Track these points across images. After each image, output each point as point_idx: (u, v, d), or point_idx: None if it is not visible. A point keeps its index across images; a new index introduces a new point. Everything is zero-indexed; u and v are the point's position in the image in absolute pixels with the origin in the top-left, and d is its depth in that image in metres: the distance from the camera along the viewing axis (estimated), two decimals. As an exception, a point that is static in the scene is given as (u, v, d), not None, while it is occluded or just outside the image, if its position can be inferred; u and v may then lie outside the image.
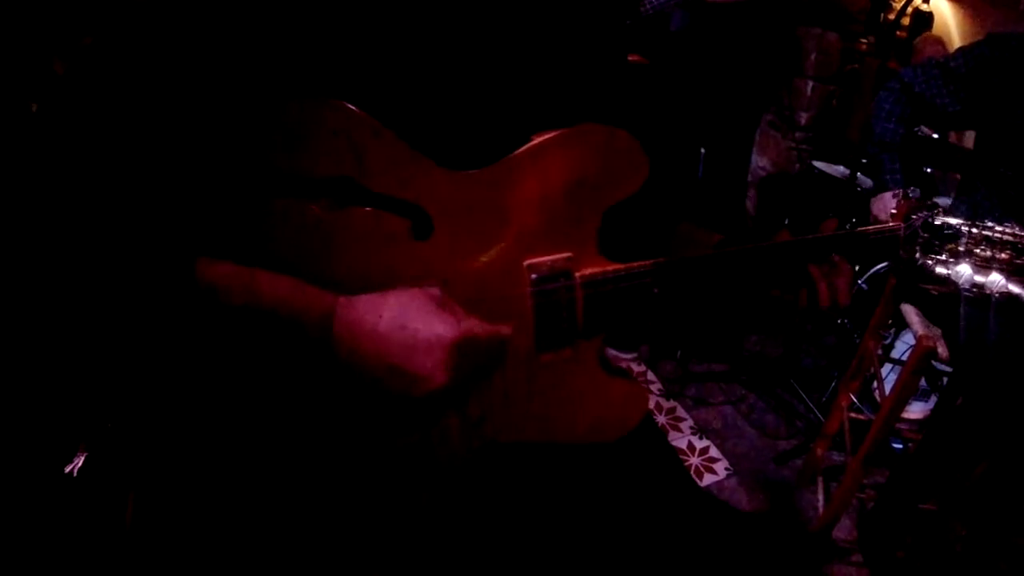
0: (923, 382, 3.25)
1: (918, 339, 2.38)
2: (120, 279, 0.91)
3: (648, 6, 3.03)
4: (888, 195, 2.49)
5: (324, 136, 0.98)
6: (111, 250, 0.91)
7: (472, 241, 1.10)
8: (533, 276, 1.14)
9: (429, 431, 1.14)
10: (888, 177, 2.50)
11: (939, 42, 4.56)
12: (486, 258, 1.11)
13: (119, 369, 0.97)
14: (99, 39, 0.95)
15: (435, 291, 1.05)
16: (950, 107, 2.48)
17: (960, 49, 2.52)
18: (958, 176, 4.30)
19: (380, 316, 0.99)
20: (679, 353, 4.00)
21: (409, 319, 1.00)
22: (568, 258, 1.16)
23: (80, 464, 1.17)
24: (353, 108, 0.99)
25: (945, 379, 3.23)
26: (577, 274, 1.16)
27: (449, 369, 1.01)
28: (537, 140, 1.10)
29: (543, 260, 1.14)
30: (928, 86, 2.50)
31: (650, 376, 3.90)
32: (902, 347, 3.43)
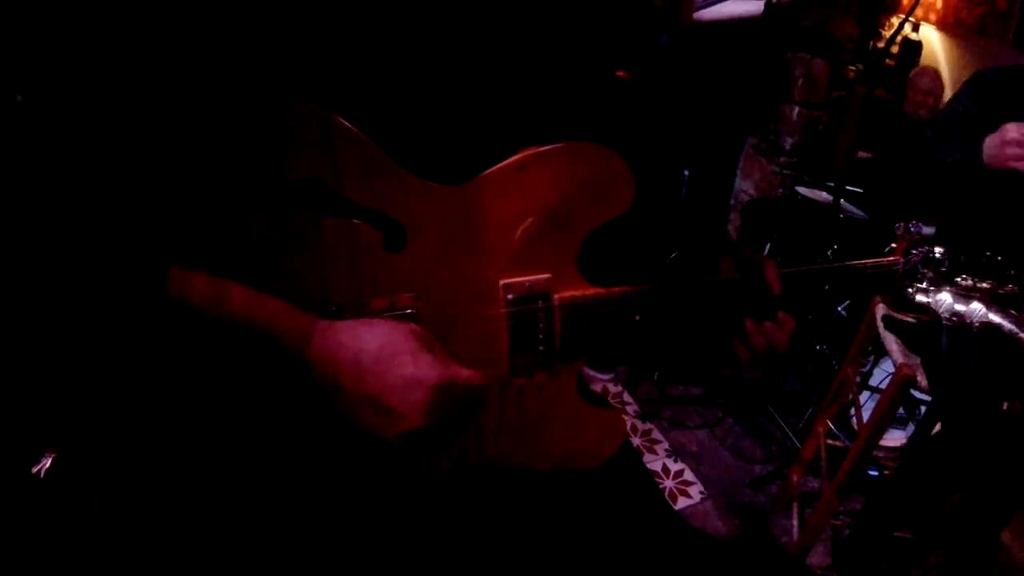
0: (900, 410, 3.24)
1: (898, 368, 2.38)
2: (92, 281, 0.89)
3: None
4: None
5: (297, 139, 0.96)
6: (84, 251, 0.89)
7: (447, 256, 1.07)
8: (509, 296, 1.11)
9: (394, 455, 1.11)
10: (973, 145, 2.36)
11: (934, 74, 4.58)
12: (461, 275, 1.08)
13: (89, 371, 0.94)
14: (78, 37, 0.93)
15: (418, 327, 1.03)
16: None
17: (952, 98, 2.50)
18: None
19: (362, 347, 0.96)
20: (656, 375, 3.98)
21: (393, 354, 0.97)
22: (547, 279, 1.13)
23: (47, 465, 1.15)
24: (329, 113, 0.97)
25: (923, 407, 3.24)
26: (556, 296, 1.14)
27: (428, 412, 0.97)
28: (521, 155, 1.08)
29: (520, 280, 1.12)
30: (941, 135, 2.45)
31: (626, 397, 3.88)
32: (880, 374, 3.43)
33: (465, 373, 1.02)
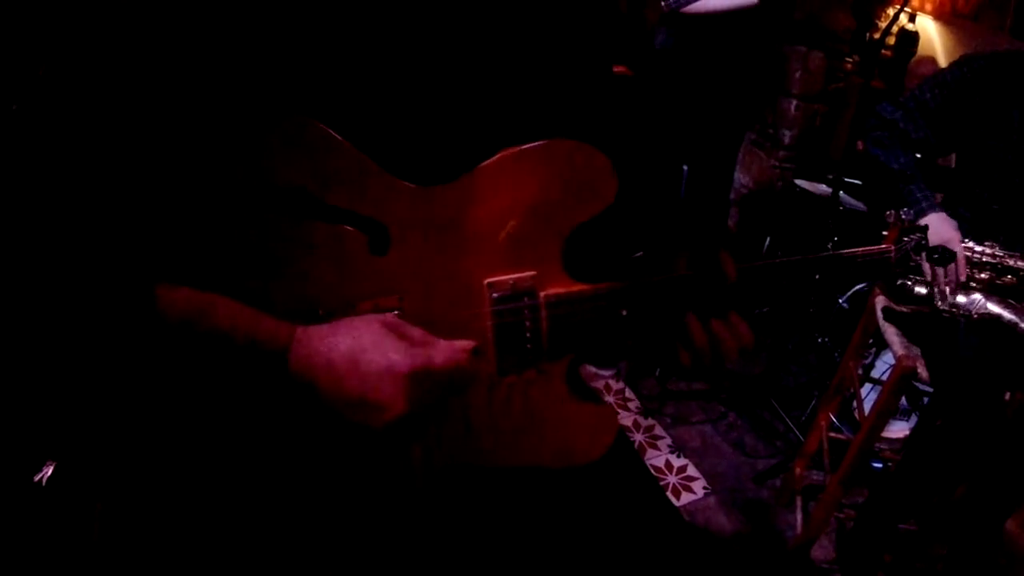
0: (903, 402, 3.23)
1: (898, 359, 2.37)
2: (84, 294, 0.89)
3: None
4: (936, 217, 2.37)
5: (281, 150, 0.97)
6: (78, 262, 0.89)
7: (431, 257, 1.07)
8: (494, 295, 1.11)
9: (388, 455, 1.10)
10: (925, 204, 2.44)
11: (932, 62, 4.57)
12: (445, 275, 1.08)
13: (85, 382, 0.94)
14: (70, 51, 0.93)
15: (390, 317, 1.02)
16: (932, 139, 2.47)
17: (930, 79, 2.51)
18: (938, 197, 4.31)
19: (334, 348, 0.96)
20: (658, 371, 3.98)
21: (363, 350, 0.97)
22: (532, 277, 1.13)
23: (49, 474, 1.15)
24: (311, 120, 0.97)
25: (925, 399, 3.23)
26: (542, 294, 1.14)
27: (408, 398, 0.97)
28: (501, 155, 1.08)
29: (505, 279, 1.11)
30: (907, 121, 2.48)
31: (628, 394, 3.87)
32: (882, 366, 3.42)
33: (439, 356, 1.00)
